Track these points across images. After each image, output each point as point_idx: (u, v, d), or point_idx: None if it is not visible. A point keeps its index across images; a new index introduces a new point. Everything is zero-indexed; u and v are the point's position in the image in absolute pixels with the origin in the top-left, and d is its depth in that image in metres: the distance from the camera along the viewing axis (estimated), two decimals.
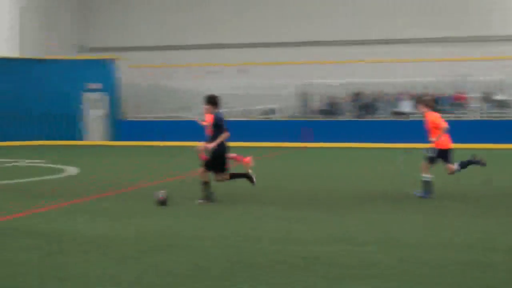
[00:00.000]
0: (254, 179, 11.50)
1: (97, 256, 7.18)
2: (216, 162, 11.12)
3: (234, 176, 11.52)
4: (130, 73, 32.75)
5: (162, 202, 10.75)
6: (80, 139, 30.98)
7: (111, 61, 31.17)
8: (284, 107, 31.24)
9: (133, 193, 12.72)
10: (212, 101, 11.19)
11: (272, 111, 31.55)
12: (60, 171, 17.26)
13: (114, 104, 30.96)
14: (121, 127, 30.94)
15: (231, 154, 11.97)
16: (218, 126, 11.05)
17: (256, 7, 35.55)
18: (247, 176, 11.55)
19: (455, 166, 11.96)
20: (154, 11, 37.72)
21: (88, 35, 38.80)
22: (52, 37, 35.79)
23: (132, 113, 32.19)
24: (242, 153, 13.58)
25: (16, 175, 16.29)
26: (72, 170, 17.29)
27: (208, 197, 11.16)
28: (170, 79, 33.39)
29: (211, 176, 11.29)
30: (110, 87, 30.89)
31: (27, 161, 20.73)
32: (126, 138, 30.52)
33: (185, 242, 7.96)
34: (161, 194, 10.84)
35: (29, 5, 33.72)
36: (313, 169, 18.28)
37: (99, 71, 31.17)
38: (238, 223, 9.28)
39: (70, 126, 31.04)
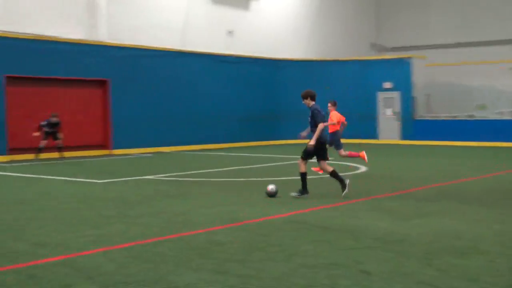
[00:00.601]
0: (346, 188, 11.63)
1: (389, 254, 7.09)
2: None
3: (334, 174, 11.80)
4: (425, 71, 32.24)
5: (271, 195, 11.52)
6: (375, 138, 31.36)
7: (407, 60, 30.96)
8: None
9: (421, 193, 12.45)
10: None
11: None
12: (352, 168, 17.61)
13: (407, 103, 30.72)
14: (414, 126, 30.61)
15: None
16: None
17: None
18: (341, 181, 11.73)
19: None
20: (452, 8, 36.62)
21: (386, 34, 39.07)
22: (348, 38, 36.75)
23: (425, 112, 31.64)
24: None
25: (309, 171, 17.00)
26: (362, 169, 17.53)
27: None
28: (465, 76, 32.12)
29: None
30: (403, 86, 30.72)
31: (314, 159, 21.49)
32: (419, 138, 30.13)
33: (486, 247, 7.48)
34: (271, 188, 11.54)
35: (325, 7, 34.97)
36: None
37: (394, 70, 31.18)
38: None
39: (365, 125, 31.56)
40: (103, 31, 24.70)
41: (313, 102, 12.09)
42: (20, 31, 22.26)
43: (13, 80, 21.73)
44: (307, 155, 11.76)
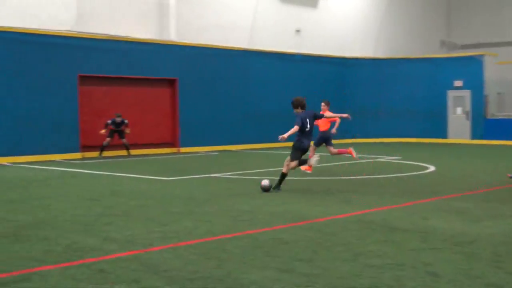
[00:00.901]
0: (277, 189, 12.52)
1: (458, 255, 6.95)
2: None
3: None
4: (497, 69, 31.40)
5: (265, 189, 12.15)
6: (444, 137, 30.77)
7: (478, 57, 30.21)
8: None
9: (492, 194, 12.13)
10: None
11: None
12: (421, 168, 17.32)
13: (478, 102, 29.99)
14: (485, 126, 29.85)
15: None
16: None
17: None
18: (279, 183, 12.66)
19: None
20: None
21: (457, 31, 38.27)
22: (418, 36, 36.16)
23: (497, 111, 30.82)
24: None
25: (378, 170, 16.84)
26: (431, 168, 17.21)
27: None
28: None
29: None
30: (474, 84, 30.00)
31: (386, 157, 21.28)
32: (490, 137, 29.38)
33: None
34: (264, 182, 12.20)
35: (394, 4, 34.47)
36: None
37: (465, 68, 30.48)
38: None
39: (434, 124, 31.02)
40: (173, 31, 25.06)
41: (300, 110, 13.43)
42: (92, 31, 22.83)
43: (85, 79, 22.32)
44: (295, 154, 12.67)
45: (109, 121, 21.72)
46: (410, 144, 29.57)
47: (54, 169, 17.66)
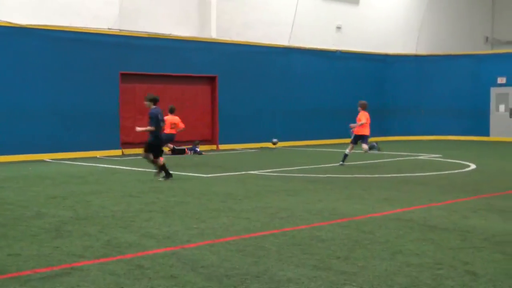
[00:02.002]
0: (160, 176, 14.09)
1: (498, 255, 6.84)
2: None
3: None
4: None
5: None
6: (487, 135, 30.29)
7: None
8: None
9: None
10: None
11: None
12: (462, 166, 17.09)
13: None
14: None
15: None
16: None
17: None
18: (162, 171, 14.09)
19: None
20: None
21: (501, 27, 37.55)
22: (461, 32, 35.61)
23: None
24: None
25: (418, 168, 16.68)
26: (472, 166, 16.97)
27: None
28: None
29: None
30: None
31: (426, 155, 21.05)
32: None
33: None
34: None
35: (436, 1, 34.02)
36: None
37: (509, 65, 29.94)
38: None
39: (477, 122, 30.56)
40: (213, 28, 25.16)
41: (154, 106, 14.10)
42: (133, 29, 23.06)
43: (126, 76, 22.57)
44: (152, 151, 14.06)
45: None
46: (452, 142, 29.18)
47: (95, 166, 17.91)
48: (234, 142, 25.32)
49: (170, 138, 19.92)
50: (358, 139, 17.72)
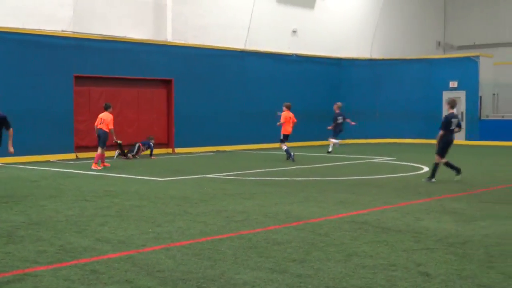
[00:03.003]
0: None
1: (451, 256, 6.96)
2: None
3: None
4: (493, 70, 31.52)
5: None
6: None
7: (474, 58, 30.23)
8: None
9: (486, 194, 12.16)
10: None
11: None
12: (415, 169, 17.36)
13: (473, 103, 30.04)
14: (479, 127, 29.92)
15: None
16: None
17: None
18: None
19: None
20: None
21: (453, 32, 38.34)
22: (414, 36, 36.20)
23: (491, 112, 30.90)
24: None
25: (373, 171, 16.87)
26: (425, 169, 17.25)
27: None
28: None
29: None
30: (470, 85, 30.06)
31: (381, 158, 21.32)
32: (484, 138, 29.45)
33: None
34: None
35: (390, 5, 34.49)
36: None
37: (461, 69, 30.53)
38: None
39: (430, 125, 31.07)
40: (169, 31, 25.05)
41: None
42: (88, 31, 22.80)
43: (80, 79, 22.28)
44: None
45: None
46: (405, 145, 29.61)
47: (49, 170, 17.64)
48: (190, 145, 25.23)
49: (101, 135, 18.55)
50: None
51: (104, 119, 18.58)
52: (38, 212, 10.15)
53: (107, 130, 18.43)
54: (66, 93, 21.77)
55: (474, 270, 6.37)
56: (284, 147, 20.12)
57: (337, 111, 24.83)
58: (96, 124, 18.72)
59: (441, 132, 14.36)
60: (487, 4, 36.97)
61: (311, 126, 29.54)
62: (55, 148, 21.39)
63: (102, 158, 18.50)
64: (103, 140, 18.38)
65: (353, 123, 24.72)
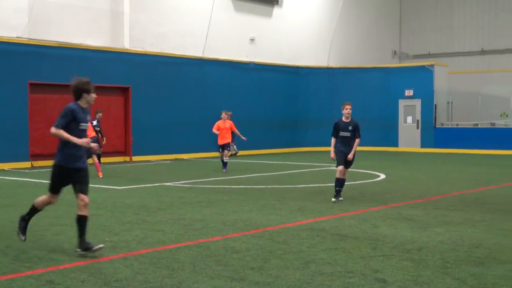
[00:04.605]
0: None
1: (407, 262, 7.05)
2: None
3: None
4: (448, 79, 32.11)
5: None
6: (396, 145, 31.22)
7: (429, 67, 30.75)
8: None
9: (441, 201, 12.36)
10: None
11: None
12: (372, 176, 17.55)
13: (428, 111, 30.54)
14: (435, 134, 30.42)
15: None
16: None
17: None
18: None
19: None
20: (476, 16, 36.42)
21: (409, 42, 38.96)
22: (371, 46, 36.67)
23: (446, 120, 31.46)
24: None
25: (330, 179, 17.00)
26: (382, 176, 17.46)
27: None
28: (487, 84, 32.02)
29: None
30: (425, 94, 30.55)
31: None
32: (439, 146, 29.95)
33: (505, 256, 7.41)
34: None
35: (347, 15, 34.88)
36: None
37: (416, 78, 31.01)
38: None
39: (386, 133, 31.46)
40: (126, 39, 24.88)
41: None
42: (44, 38, 22.50)
43: (36, 87, 21.96)
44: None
45: (94, 122, 19.58)
46: (362, 152, 29.87)
47: (3, 178, 17.31)
48: (147, 153, 25.06)
49: None
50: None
51: None
52: None
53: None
54: (21, 101, 21.43)
55: (429, 276, 6.47)
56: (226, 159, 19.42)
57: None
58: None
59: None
60: (441, 14, 37.69)
61: (269, 134, 29.64)
62: (9, 157, 21.02)
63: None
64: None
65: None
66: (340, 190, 12.34)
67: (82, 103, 8.01)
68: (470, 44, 36.59)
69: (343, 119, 12.78)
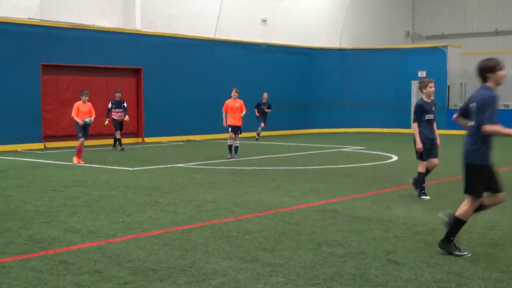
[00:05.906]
0: None
1: (419, 244, 7.04)
2: None
3: None
4: (461, 60, 31.84)
5: None
6: (408, 127, 31.09)
7: (442, 48, 30.50)
8: None
9: (455, 183, 12.30)
10: None
11: None
12: (385, 158, 17.50)
13: (441, 92, 30.33)
14: (448, 116, 30.23)
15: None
16: None
17: None
18: None
19: None
20: None
21: (422, 22, 38.65)
22: (383, 27, 36.40)
23: (459, 101, 31.25)
24: None
25: (343, 160, 16.97)
26: (394, 158, 17.40)
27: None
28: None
29: None
30: (438, 75, 30.33)
31: (350, 147, 21.44)
32: (452, 127, 29.77)
33: None
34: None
35: None
36: None
37: (429, 59, 30.78)
38: None
39: (399, 115, 31.32)
40: (138, 20, 24.83)
41: None
42: (55, 19, 22.49)
43: (48, 68, 21.99)
44: None
45: (110, 105, 20.45)
46: (375, 134, 29.83)
47: (16, 159, 17.41)
48: (160, 135, 25.10)
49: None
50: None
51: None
52: (5, 202, 10.02)
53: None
54: (33, 82, 21.48)
55: (442, 258, 6.45)
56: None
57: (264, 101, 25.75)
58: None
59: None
60: None
61: (281, 115, 29.58)
62: (22, 138, 21.12)
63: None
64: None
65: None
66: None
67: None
68: (484, 24, 36.25)
69: (425, 99, 11.04)
